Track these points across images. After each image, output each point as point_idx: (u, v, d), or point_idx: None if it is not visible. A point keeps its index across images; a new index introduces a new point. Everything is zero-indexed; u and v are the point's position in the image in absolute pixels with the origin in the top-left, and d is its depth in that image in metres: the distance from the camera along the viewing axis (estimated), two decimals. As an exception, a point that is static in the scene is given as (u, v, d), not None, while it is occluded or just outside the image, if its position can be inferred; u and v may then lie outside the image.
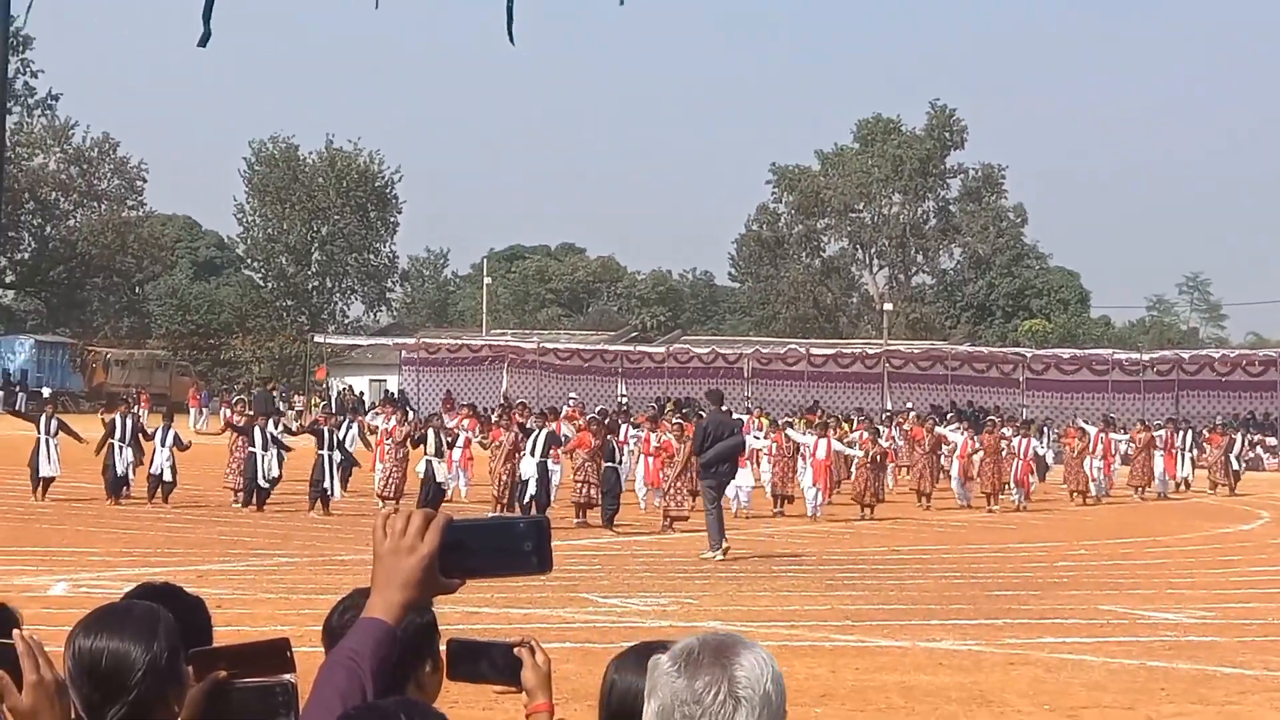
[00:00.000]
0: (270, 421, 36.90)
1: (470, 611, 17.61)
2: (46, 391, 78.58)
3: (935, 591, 23.54)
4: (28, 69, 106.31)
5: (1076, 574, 26.81)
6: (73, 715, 3.31)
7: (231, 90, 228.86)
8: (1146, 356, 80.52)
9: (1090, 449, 46.60)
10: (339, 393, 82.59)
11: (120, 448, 34.90)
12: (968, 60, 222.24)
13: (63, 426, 35.28)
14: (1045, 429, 59.57)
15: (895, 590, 23.73)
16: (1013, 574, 26.49)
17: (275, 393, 77.47)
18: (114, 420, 35.76)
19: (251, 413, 39.09)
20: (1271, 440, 71.39)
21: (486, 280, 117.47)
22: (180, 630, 3.87)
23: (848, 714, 13.71)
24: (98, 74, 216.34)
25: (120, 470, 34.85)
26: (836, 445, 39.34)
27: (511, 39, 4.38)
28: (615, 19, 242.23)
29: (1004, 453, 43.25)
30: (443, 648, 4.17)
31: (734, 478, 29.89)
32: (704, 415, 31.69)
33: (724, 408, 31.46)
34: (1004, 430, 45.49)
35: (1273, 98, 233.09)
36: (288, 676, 3.87)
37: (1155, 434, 50.65)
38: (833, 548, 30.58)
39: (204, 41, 4.34)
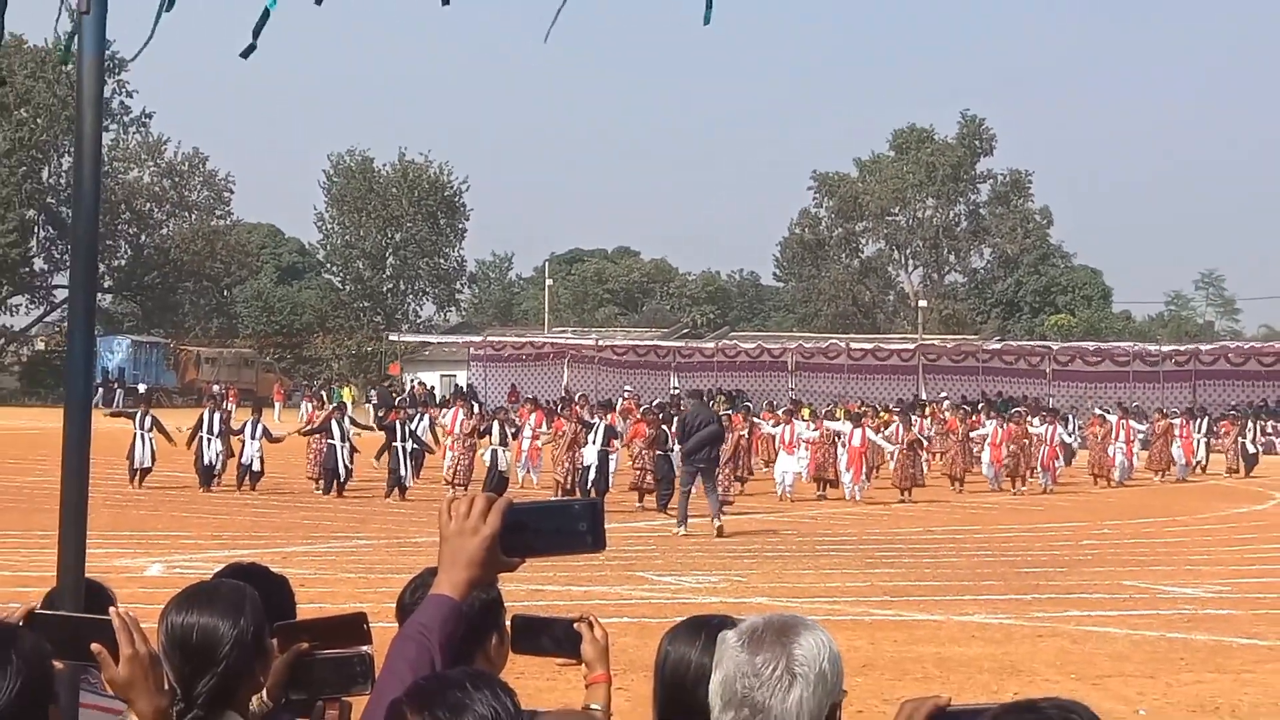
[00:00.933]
0: (347, 417, 37.02)
1: (534, 589, 17.65)
2: (142, 388, 79.16)
3: (968, 569, 23.48)
4: (123, 89, 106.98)
5: (1101, 552, 26.69)
6: (166, 686, 3.33)
7: (312, 107, 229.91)
8: (1165, 348, 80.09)
9: (1114, 435, 46.42)
10: (410, 386, 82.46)
11: (209, 439, 35.11)
12: (996, 72, 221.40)
13: (156, 424, 35.45)
14: (1070, 417, 59.26)
15: (931, 568, 23.67)
16: (1041, 552, 26.38)
17: (391, 389, 77.64)
18: (202, 414, 36.01)
19: (381, 407, 39.58)
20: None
21: (548, 282, 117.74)
22: (266, 607, 3.89)
23: (887, 683, 13.68)
24: (188, 93, 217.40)
25: (209, 460, 35.06)
26: (871, 435, 39.25)
27: (547, 35, 4.34)
28: (667, 43, 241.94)
29: (1030, 440, 43.24)
30: (508, 623, 4.18)
31: (716, 464, 29.71)
32: (686, 408, 31.76)
33: (706, 400, 31.62)
34: (1032, 419, 45.40)
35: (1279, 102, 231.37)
36: (365, 648, 3.90)
37: (1173, 421, 50.44)
38: (872, 528, 30.51)
39: (247, 53, 4.34)
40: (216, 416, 35.70)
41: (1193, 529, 32.08)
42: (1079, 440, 53.27)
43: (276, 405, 77.80)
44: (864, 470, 38.51)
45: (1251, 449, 53.73)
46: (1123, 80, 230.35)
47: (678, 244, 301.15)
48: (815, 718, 3.08)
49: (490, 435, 35.33)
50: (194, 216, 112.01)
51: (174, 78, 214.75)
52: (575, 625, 4.02)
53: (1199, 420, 53.62)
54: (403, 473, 34.50)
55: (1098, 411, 51.62)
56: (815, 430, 39.63)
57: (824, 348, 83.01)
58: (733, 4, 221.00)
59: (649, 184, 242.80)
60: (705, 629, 3.72)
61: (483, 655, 4.28)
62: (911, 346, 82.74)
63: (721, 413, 37.21)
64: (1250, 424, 57.53)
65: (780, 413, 44.63)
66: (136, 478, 34.74)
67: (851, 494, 37.54)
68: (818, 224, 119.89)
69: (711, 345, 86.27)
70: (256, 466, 35.15)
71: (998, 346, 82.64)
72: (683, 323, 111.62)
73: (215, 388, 74.96)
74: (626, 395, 70.84)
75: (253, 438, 35.14)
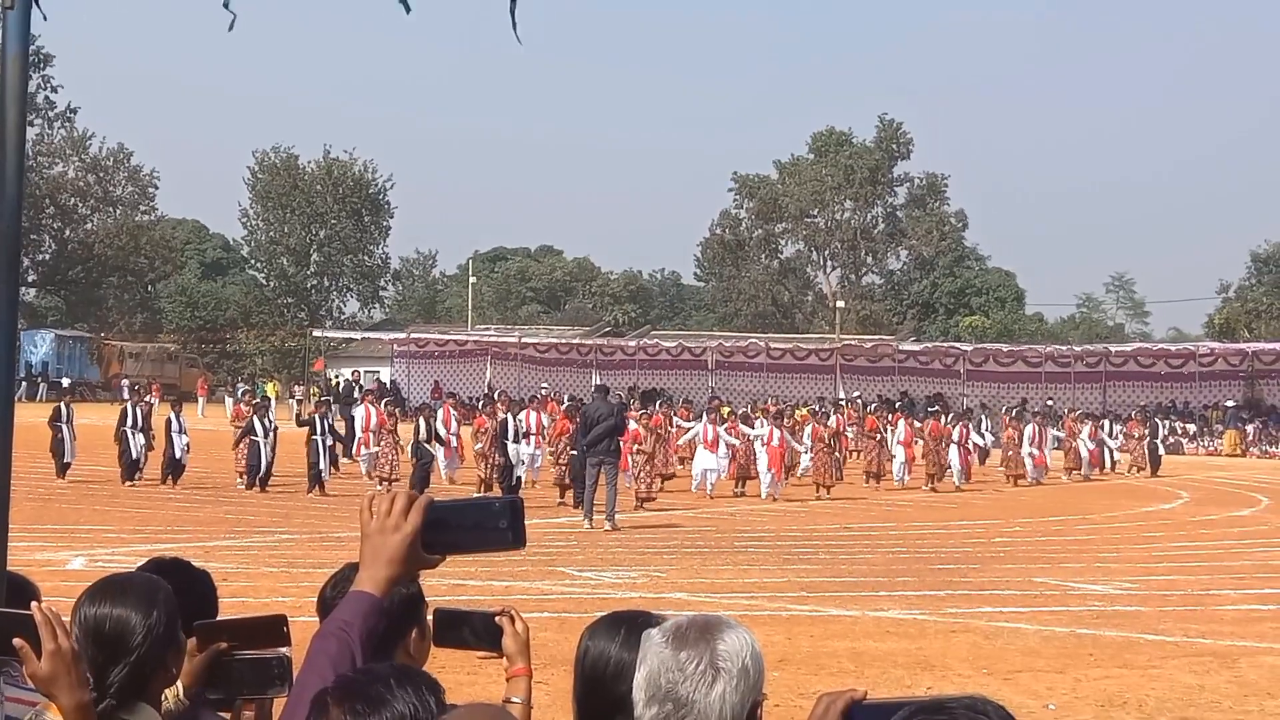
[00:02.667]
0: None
1: (456, 584, 17.61)
2: (66, 382, 78.32)
3: (883, 565, 23.58)
4: (48, 84, 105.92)
5: (1012, 549, 26.88)
6: (88, 681, 3.30)
7: (237, 104, 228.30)
8: (1076, 349, 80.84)
9: (1033, 437, 46.65)
10: (347, 380, 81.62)
11: (133, 434, 34.79)
12: (914, 77, 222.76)
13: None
14: (983, 418, 59.68)
15: (847, 564, 23.76)
16: (954, 549, 26.55)
17: (358, 383, 77.02)
18: (125, 408, 35.69)
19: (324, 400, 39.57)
20: (1191, 426, 71.71)
21: (472, 279, 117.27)
22: (187, 601, 3.86)
23: (803, 678, 13.72)
24: (114, 88, 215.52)
25: (134, 455, 34.76)
26: (788, 438, 39.36)
27: (518, 37, 4.29)
28: (590, 45, 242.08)
29: (943, 438, 43.62)
30: (430, 616, 4.17)
31: (615, 458, 29.39)
32: (589, 404, 31.66)
33: (609, 397, 31.35)
34: (945, 417, 45.75)
35: (1193, 114, 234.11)
36: (284, 650, 3.87)
37: (1081, 422, 50.86)
38: (789, 525, 30.60)
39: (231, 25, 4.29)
40: (139, 410, 35.41)
41: (1102, 527, 32.37)
42: (992, 440, 53.65)
43: (200, 400, 77.20)
44: (783, 469, 38.58)
45: (1161, 450, 54.19)
46: (1038, 86, 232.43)
47: (600, 243, 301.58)
48: (737, 713, 3.10)
49: (417, 431, 35.15)
50: (118, 211, 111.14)
51: (100, 73, 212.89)
52: (496, 619, 4.01)
53: (1107, 421, 54.07)
54: (321, 466, 34.31)
55: (1012, 413, 52.04)
56: (736, 438, 39.57)
57: (744, 347, 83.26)
58: (653, 7, 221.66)
59: (572, 183, 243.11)
60: (625, 624, 3.73)
61: (403, 650, 4.27)
62: (830, 346, 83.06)
63: (640, 411, 37.09)
64: (1160, 425, 58.08)
65: (706, 414, 44.54)
66: (64, 471, 34.47)
67: (770, 493, 37.56)
68: (738, 225, 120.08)
69: (633, 344, 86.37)
70: (185, 461, 34.83)
71: (914, 347, 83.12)
72: (605, 321, 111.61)
73: (124, 382, 74.12)
74: (543, 392, 71.00)
75: (179, 432, 34.81)
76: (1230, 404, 72.70)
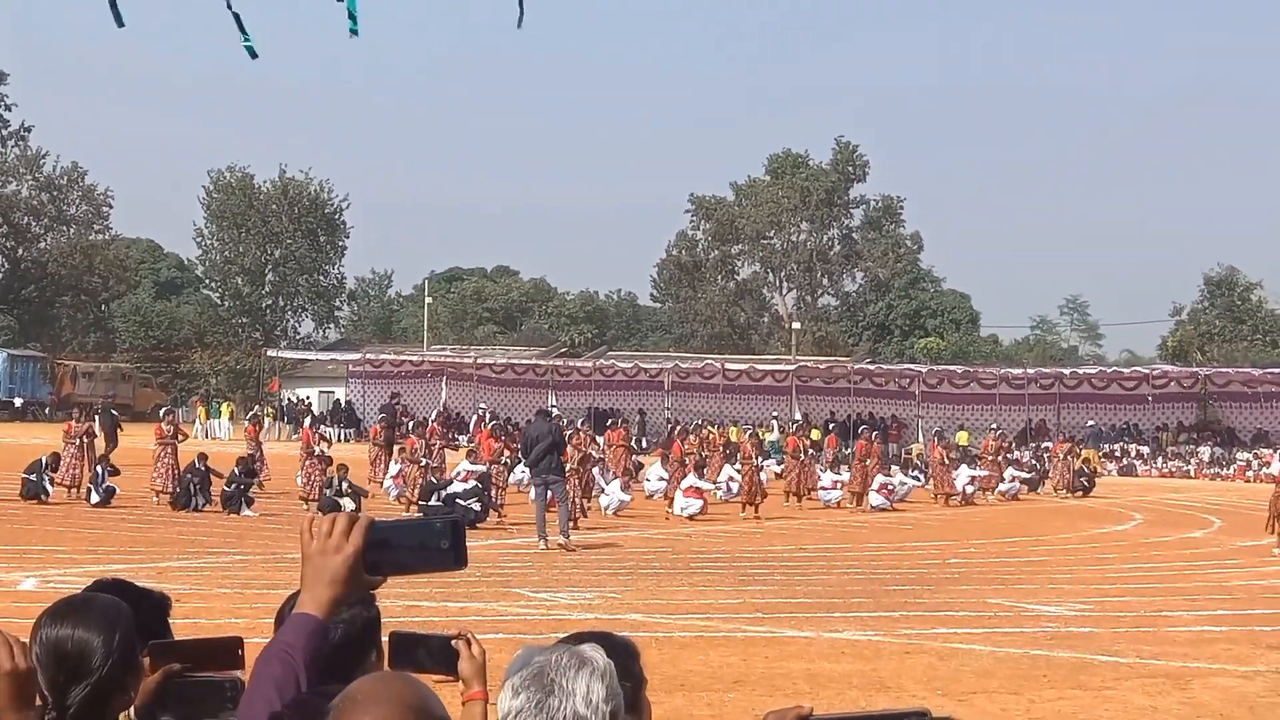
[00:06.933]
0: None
1: (410, 605, 17.57)
2: (18, 402, 77.89)
3: (838, 586, 23.60)
4: (2, 103, 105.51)
5: (967, 570, 26.92)
6: (37, 702, 3.27)
7: (192, 123, 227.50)
8: (1031, 372, 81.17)
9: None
10: (290, 403, 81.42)
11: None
12: (869, 101, 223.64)
13: None
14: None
15: (802, 585, 23.77)
16: (909, 570, 26.56)
17: (398, 404, 76.71)
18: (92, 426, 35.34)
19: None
20: (1145, 448, 72.12)
21: (427, 300, 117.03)
22: (140, 622, 3.83)
23: (758, 699, 13.71)
24: (68, 107, 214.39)
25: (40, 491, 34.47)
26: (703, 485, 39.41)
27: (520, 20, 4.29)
28: (545, 65, 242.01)
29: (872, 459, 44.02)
30: (385, 639, 4.15)
31: (560, 476, 29.21)
32: (529, 425, 31.68)
33: (550, 419, 31.15)
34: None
35: (1147, 136, 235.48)
36: (237, 673, 3.85)
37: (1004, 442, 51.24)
38: (745, 546, 30.59)
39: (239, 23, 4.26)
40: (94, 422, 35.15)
41: (1056, 548, 32.46)
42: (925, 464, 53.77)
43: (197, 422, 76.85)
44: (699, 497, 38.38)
45: (1085, 481, 53.91)
46: (991, 110, 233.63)
47: (557, 264, 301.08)
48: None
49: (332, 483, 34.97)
50: (72, 231, 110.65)
51: (54, 91, 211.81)
52: (453, 642, 3.99)
53: (1035, 444, 54.35)
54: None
55: (935, 437, 52.37)
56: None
57: (700, 368, 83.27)
58: (610, 29, 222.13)
59: (529, 204, 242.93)
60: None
61: (361, 671, 4.25)
62: (785, 368, 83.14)
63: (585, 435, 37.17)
64: (1093, 448, 58.28)
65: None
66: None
67: (683, 512, 37.17)
68: (694, 246, 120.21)
69: (589, 364, 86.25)
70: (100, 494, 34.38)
71: (869, 368, 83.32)
72: (561, 342, 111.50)
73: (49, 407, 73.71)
74: (480, 410, 71.14)
75: (100, 480, 34.32)
76: (1090, 424, 73.32)
